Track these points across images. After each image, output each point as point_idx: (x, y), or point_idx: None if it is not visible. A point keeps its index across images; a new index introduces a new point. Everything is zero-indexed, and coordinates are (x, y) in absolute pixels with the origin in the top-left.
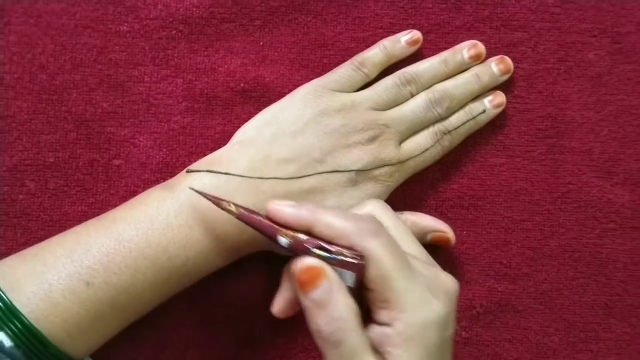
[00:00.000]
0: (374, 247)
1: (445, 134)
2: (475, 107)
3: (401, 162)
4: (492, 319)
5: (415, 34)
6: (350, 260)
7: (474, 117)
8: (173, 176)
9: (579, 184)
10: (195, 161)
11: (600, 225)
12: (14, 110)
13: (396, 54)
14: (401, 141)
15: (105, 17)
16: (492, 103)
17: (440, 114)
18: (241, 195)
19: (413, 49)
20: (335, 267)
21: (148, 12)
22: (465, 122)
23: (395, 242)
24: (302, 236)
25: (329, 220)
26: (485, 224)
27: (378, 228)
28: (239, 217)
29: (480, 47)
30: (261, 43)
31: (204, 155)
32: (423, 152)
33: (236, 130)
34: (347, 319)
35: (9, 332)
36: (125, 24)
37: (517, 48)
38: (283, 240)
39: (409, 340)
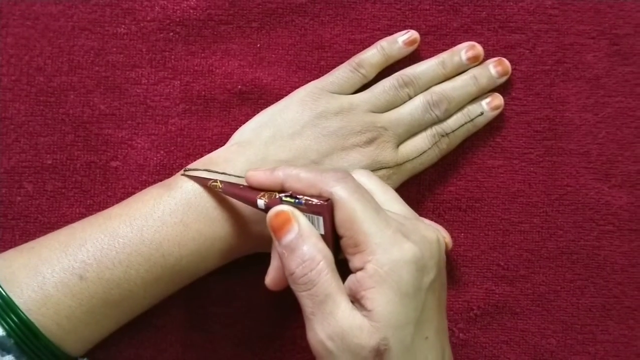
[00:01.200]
0: (338, 191)
1: (443, 136)
2: (473, 110)
3: (399, 165)
4: (489, 321)
5: (413, 34)
6: (316, 202)
7: (472, 120)
8: None
9: (576, 186)
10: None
11: (598, 228)
12: (12, 112)
13: (394, 55)
14: (399, 144)
15: (102, 19)
16: (490, 105)
17: (438, 116)
18: None
19: (411, 49)
20: (306, 214)
21: (145, 14)
22: (463, 125)
23: (363, 188)
24: (277, 194)
25: (297, 173)
26: (483, 226)
27: (345, 176)
28: (223, 191)
29: (478, 49)
30: (258, 45)
31: (202, 157)
32: (421, 154)
33: (234, 132)
34: (318, 260)
35: (2, 322)
36: (123, 26)
37: (515, 50)
38: (261, 202)
39: (381, 281)
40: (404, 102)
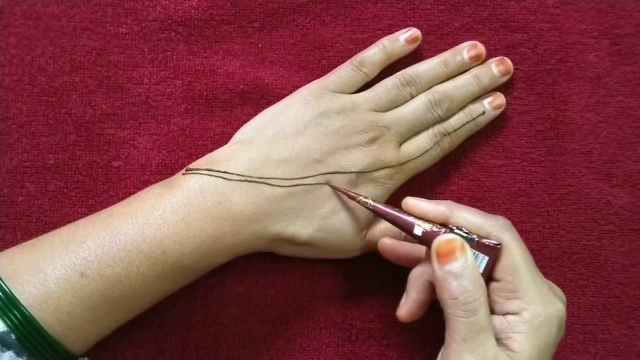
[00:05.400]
0: (508, 239)
1: (445, 135)
2: (475, 109)
3: (401, 164)
4: None
5: (414, 32)
6: (488, 243)
7: (474, 119)
8: None
9: (578, 186)
10: None
11: (599, 227)
12: (14, 112)
13: (396, 53)
14: (401, 143)
15: (104, 19)
16: (492, 104)
17: (440, 115)
18: (240, 194)
19: (412, 46)
20: (472, 250)
21: (147, 14)
22: (465, 124)
23: (523, 242)
24: (438, 225)
25: (465, 213)
26: None
27: (511, 226)
28: (373, 210)
29: (480, 48)
30: (260, 45)
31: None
32: (423, 153)
33: (236, 131)
34: (480, 293)
35: (4, 317)
36: (124, 26)
37: (517, 49)
38: (419, 229)
39: (533, 330)
40: (406, 102)
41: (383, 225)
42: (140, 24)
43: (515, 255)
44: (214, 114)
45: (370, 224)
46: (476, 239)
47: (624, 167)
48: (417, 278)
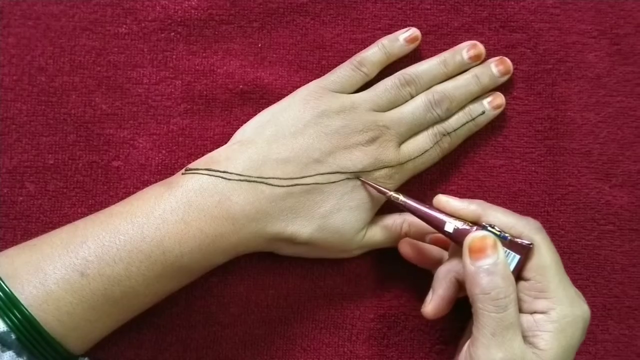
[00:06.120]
0: (540, 240)
1: (444, 135)
2: (474, 109)
3: (401, 164)
4: None
5: (414, 32)
6: (520, 242)
7: (474, 119)
8: None
9: (577, 186)
10: None
11: (599, 227)
12: (14, 112)
13: (395, 52)
14: (401, 143)
15: (103, 19)
16: (492, 104)
17: (439, 115)
18: (240, 193)
19: (412, 46)
20: (504, 249)
21: (146, 14)
22: (464, 124)
23: (553, 245)
24: (469, 223)
25: (498, 213)
26: None
27: (541, 227)
28: (404, 206)
29: (480, 48)
30: (260, 45)
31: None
32: (422, 153)
33: (235, 131)
34: (512, 290)
35: (5, 317)
36: (124, 26)
37: (517, 49)
38: (450, 226)
39: (560, 329)
40: (406, 101)
41: (383, 225)
42: (140, 24)
43: (546, 256)
44: (214, 114)
45: (369, 223)
46: (509, 237)
47: (624, 167)
48: (444, 275)
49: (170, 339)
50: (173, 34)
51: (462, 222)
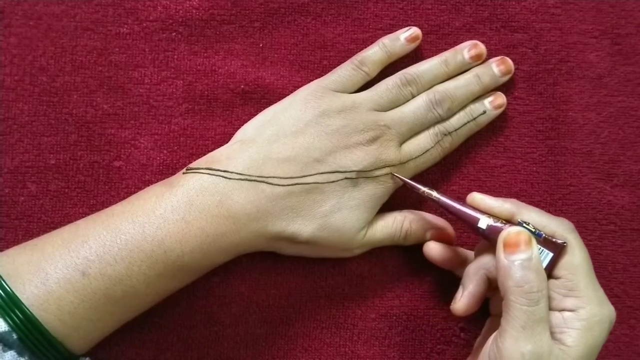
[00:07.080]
0: (572, 240)
1: (445, 135)
2: (475, 108)
3: (402, 164)
4: None
5: (415, 31)
6: (555, 240)
7: (475, 118)
8: None
9: (579, 186)
10: None
11: (600, 227)
12: (15, 113)
13: (396, 52)
14: (402, 142)
15: (105, 19)
16: (493, 104)
17: (440, 114)
18: (241, 192)
19: (413, 45)
20: (538, 246)
21: (148, 14)
22: (465, 123)
23: (585, 246)
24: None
25: (532, 212)
26: None
27: (574, 227)
28: (438, 202)
29: (481, 47)
30: (261, 45)
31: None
32: (423, 153)
33: (237, 131)
34: (544, 286)
35: (6, 317)
36: (125, 26)
37: (518, 49)
38: (484, 222)
39: (588, 328)
40: (407, 101)
41: (383, 223)
42: (141, 24)
43: (578, 255)
44: (215, 114)
45: (370, 222)
46: (543, 235)
47: (625, 167)
48: (474, 272)
49: (171, 339)
50: (174, 34)
51: (495, 219)
